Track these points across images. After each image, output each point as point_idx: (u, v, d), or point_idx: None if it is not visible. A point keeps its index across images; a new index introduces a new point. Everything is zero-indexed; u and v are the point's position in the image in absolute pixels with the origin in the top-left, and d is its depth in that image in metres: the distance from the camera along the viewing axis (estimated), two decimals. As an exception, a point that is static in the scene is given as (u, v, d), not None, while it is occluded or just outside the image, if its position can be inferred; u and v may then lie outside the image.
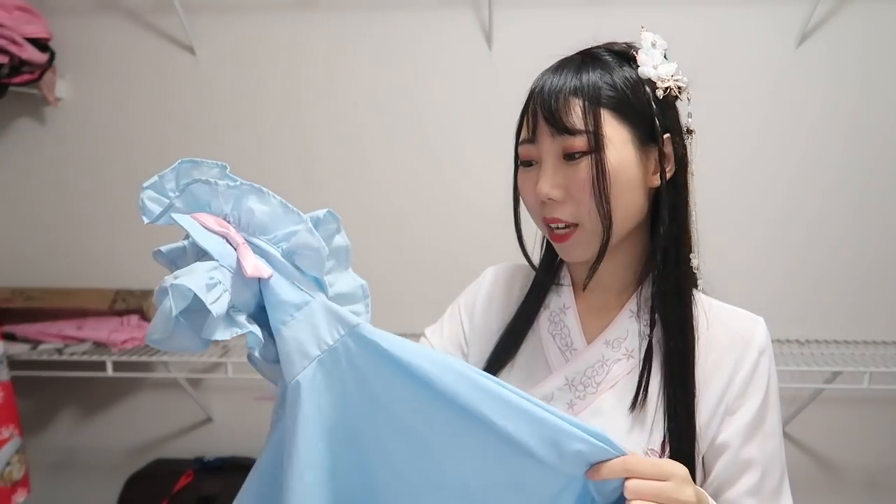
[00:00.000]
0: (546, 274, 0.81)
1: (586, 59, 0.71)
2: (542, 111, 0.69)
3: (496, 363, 0.79)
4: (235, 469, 1.71)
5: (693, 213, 0.75)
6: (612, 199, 0.67)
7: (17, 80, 1.59)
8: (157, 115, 1.74)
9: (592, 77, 0.68)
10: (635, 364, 0.73)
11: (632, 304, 0.76)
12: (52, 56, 1.65)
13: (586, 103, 0.67)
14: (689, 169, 0.73)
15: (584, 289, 0.79)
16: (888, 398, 1.67)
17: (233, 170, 0.58)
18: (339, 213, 0.58)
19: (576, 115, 0.67)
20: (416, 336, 1.09)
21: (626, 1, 1.58)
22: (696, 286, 0.76)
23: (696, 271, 0.73)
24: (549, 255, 0.81)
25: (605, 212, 0.68)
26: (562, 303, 0.80)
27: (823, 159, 1.62)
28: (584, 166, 0.67)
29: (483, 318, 0.84)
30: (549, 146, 0.69)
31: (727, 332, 0.73)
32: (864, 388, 1.46)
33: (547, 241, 0.80)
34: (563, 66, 0.71)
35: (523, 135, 0.73)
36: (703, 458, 0.71)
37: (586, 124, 0.67)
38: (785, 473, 0.73)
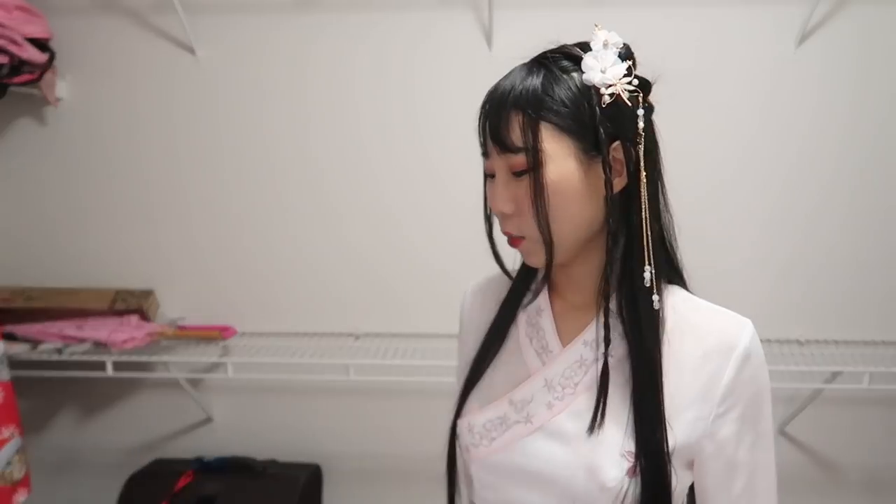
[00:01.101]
0: (523, 280, 0.82)
1: (534, 67, 0.69)
2: (488, 129, 0.70)
3: (481, 365, 0.80)
4: (235, 469, 1.71)
5: (664, 219, 0.73)
6: (551, 214, 0.67)
7: (17, 80, 1.59)
8: (157, 115, 1.74)
9: (534, 89, 0.67)
10: (615, 363, 0.72)
11: (610, 304, 0.73)
12: (52, 56, 1.65)
13: (525, 119, 0.66)
14: (641, 176, 0.68)
15: (551, 291, 0.79)
16: (888, 398, 1.67)
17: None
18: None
19: (515, 133, 0.67)
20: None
21: (626, 1, 1.58)
22: (659, 292, 0.71)
23: (647, 285, 0.68)
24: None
25: (544, 226, 0.67)
26: (538, 305, 0.79)
27: (822, 159, 1.62)
28: (527, 182, 0.67)
29: (471, 338, 0.85)
30: (498, 162, 0.70)
31: (710, 336, 0.71)
32: (864, 388, 1.46)
33: None
34: (510, 76, 0.70)
35: (482, 148, 0.73)
36: (685, 464, 0.70)
37: (525, 142, 0.66)
38: (774, 480, 0.72)
